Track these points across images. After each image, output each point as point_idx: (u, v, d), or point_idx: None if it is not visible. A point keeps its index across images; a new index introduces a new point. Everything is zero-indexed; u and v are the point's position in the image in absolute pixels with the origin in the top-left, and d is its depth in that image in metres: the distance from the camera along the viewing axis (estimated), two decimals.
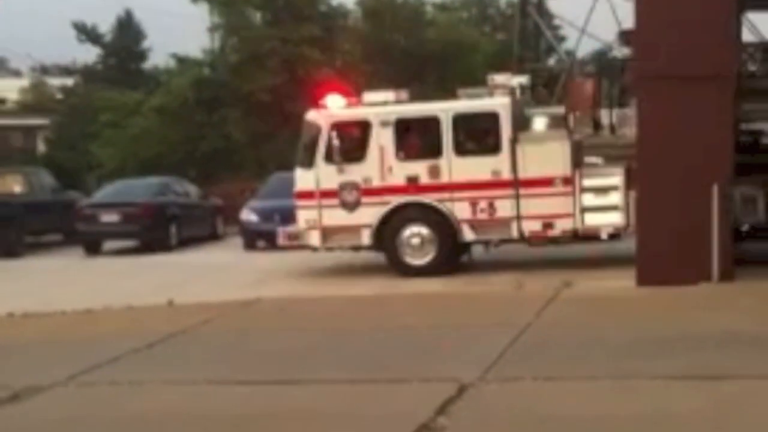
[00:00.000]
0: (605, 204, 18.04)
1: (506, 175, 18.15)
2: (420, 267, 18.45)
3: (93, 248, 26.58)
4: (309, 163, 18.98)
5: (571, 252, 19.06)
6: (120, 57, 51.20)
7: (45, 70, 61.40)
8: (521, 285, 16.28)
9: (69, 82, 52.96)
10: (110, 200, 27.18)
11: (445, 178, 18.42)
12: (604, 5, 32.19)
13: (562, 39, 41.95)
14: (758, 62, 20.91)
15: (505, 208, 18.18)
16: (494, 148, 18.31)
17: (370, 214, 18.60)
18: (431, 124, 18.58)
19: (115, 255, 26.12)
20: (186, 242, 26.81)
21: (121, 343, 12.80)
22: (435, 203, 18.45)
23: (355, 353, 11.71)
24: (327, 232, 18.81)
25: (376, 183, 18.62)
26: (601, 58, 36.87)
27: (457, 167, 18.37)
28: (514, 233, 18.27)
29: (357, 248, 19.09)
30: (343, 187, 18.67)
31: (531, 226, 18.19)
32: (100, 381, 10.98)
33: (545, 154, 18.06)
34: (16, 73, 65.78)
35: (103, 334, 13.98)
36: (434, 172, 18.44)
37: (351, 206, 18.67)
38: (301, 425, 8.82)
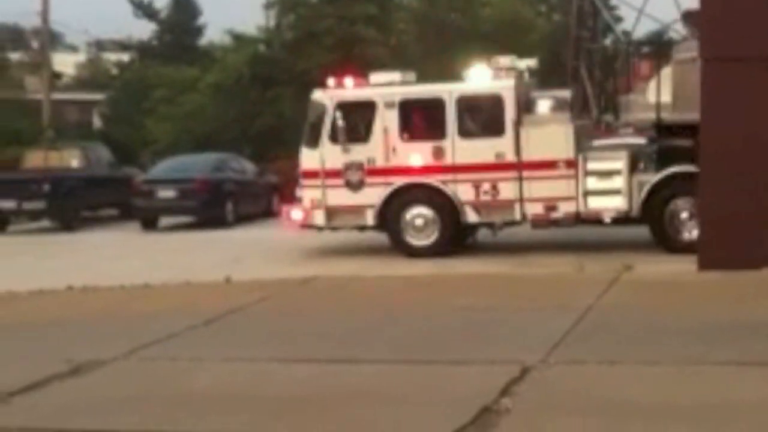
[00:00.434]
0: (608, 188, 18.07)
1: (510, 157, 18.22)
2: (423, 248, 18.58)
3: (150, 224, 26.71)
4: (314, 142, 19.12)
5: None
6: (175, 33, 51.40)
7: (101, 46, 61.78)
8: (582, 267, 16.13)
9: (125, 57, 53.27)
10: (167, 176, 27.29)
11: (448, 160, 18.51)
12: None
13: (618, 19, 41.56)
14: None
15: (508, 191, 18.24)
16: (498, 131, 18.38)
17: (374, 195, 18.72)
18: (436, 105, 18.67)
19: (172, 231, 26.22)
20: (242, 219, 26.86)
21: (180, 319, 12.81)
22: (438, 185, 18.52)
23: (415, 333, 11.64)
24: (331, 212, 18.96)
25: (380, 163, 18.72)
26: (658, 38, 36.45)
27: (460, 149, 18.46)
28: (517, 216, 18.35)
29: (361, 228, 19.17)
30: (348, 167, 18.79)
31: (534, 209, 18.22)
32: (160, 356, 11.01)
33: (548, 136, 18.11)
34: (73, 49, 66.25)
35: (161, 309, 14.00)
36: (438, 153, 18.53)
37: (355, 186, 18.80)
38: (361, 406, 8.76)
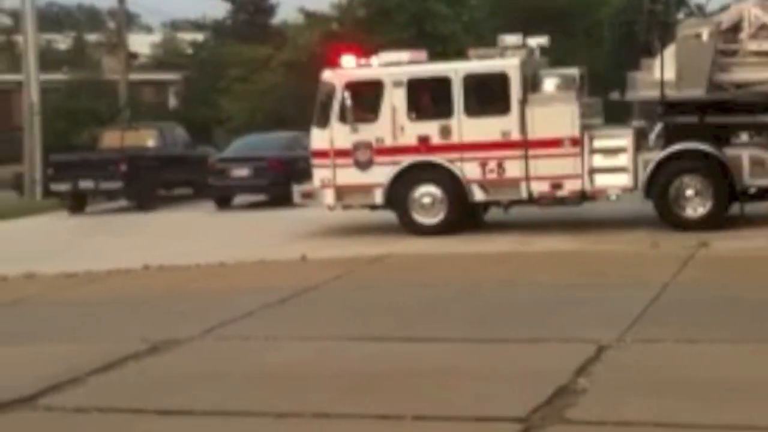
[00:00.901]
0: (614, 165, 18.08)
1: (515, 135, 18.24)
2: (431, 226, 18.69)
3: (224, 202, 26.86)
4: (324, 122, 19.25)
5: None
6: (249, 12, 51.52)
7: (175, 26, 62.22)
8: (656, 244, 15.95)
9: (199, 37, 53.57)
10: (241, 155, 27.39)
11: (455, 139, 18.57)
12: None
13: None
14: None
15: (514, 169, 18.27)
16: (504, 109, 18.41)
17: (382, 174, 18.80)
18: (442, 84, 18.75)
19: (246, 209, 26.35)
20: None
21: (255, 297, 12.89)
22: (446, 163, 18.58)
23: (489, 311, 11.60)
24: (340, 191, 19.10)
25: (388, 143, 18.81)
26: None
27: (467, 128, 18.52)
28: (524, 194, 18.39)
29: (372, 207, 19.28)
30: (357, 146, 18.91)
31: (540, 187, 18.25)
32: (235, 335, 11.07)
33: (553, 115, 18.13)
34: (148, 29, 66.85)
35: (236, 288, 14.10)
36: (445, 132, 18.59)
37: (364, 165, 18.91)
38: (436, 384, 8.73)
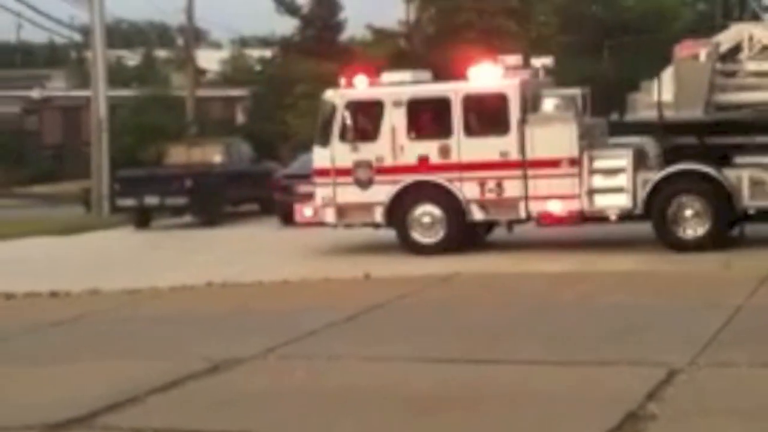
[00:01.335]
0: (613, 186, 17.99)
1: (515, 155, 18.24)
2: (430, 245, 18.71)
3: (289, 219, 26.73)
4: (325, 141, 19.41)
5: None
6: (317, 28, 51.56)
7: (244, 42, 62.52)
8: (729, 264, 15.59)
9: (267, 53, 53.72)
10: (305, 171, 27.24)
11: (455, 158, 18.61)
12: None
13: (766, 8, 40.44)
14: None
15: (513, 189, 18.27)
16: (503, 129, 18.44)
17: (382, 192, 18.84)
18: (442, 104, 18.86)
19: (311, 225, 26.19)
20: None
21: (319, 316, 12.73)
22: (445, 183, 18.59)
23: (559, 332, 11.36)
24: (342, 210, 19.18)
25: (388, 162, 18.86)
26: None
27: (466, 147, 18.59)
28: (522, 214, 18.35)
29: (373, 226, 19.27)
30: (357, 165, 19.02)
31: (539, 207, 18.17)
32: (298, 354, 10.93)
33: (552, 135, 18.10)
34: (217, 45, 67.25)
35: (300, 305, 13.96)
36: (445, 151, 18.64)
37: (364, 184, 18.99)
38: (502, 408, 8.53)
